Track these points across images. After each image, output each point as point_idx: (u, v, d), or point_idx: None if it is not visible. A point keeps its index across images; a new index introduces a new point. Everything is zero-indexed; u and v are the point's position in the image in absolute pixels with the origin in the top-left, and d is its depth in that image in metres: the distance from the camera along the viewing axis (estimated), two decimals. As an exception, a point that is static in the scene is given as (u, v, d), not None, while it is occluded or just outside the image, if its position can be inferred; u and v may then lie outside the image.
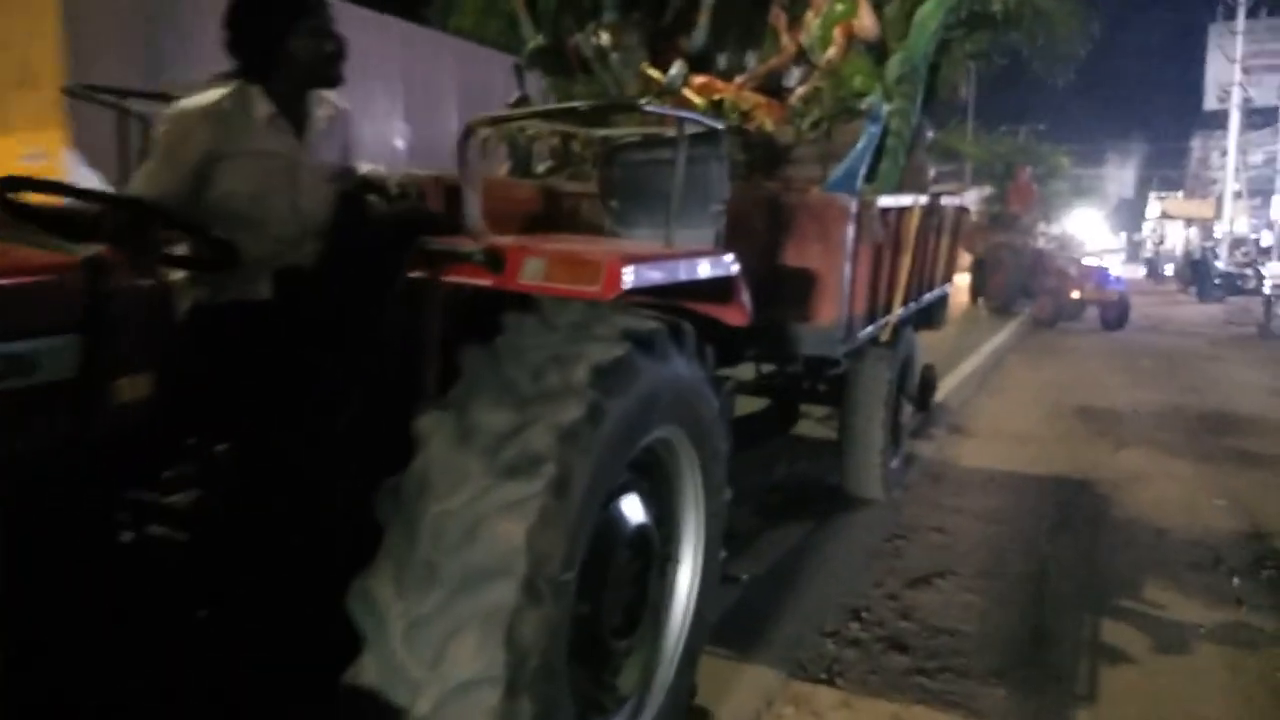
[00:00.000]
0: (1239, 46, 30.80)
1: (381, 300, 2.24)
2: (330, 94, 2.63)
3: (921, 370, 6.38)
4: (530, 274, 2.11)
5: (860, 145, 4.66)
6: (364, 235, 2.59)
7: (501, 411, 2.00)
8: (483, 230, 2.30)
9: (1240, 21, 30.95)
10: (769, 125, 5.20)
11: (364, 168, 2.84)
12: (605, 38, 5.20)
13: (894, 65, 5.24)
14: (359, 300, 2.34)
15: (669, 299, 2.51)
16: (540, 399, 2.01)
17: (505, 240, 2.26)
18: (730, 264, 2.69)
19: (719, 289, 2.67)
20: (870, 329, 4.72)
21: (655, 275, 2.25)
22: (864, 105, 4.85)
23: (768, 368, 5.34)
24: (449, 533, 1.86)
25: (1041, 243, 19.57)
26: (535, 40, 5.73)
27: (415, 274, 2.19)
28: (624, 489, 2.45)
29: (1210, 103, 34.45)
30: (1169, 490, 6.31)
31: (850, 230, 4.20)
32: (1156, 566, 4.84)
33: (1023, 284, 16.94)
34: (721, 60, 5.92)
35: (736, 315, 2.73)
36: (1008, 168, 20.80)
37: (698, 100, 4.98)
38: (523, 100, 5.68)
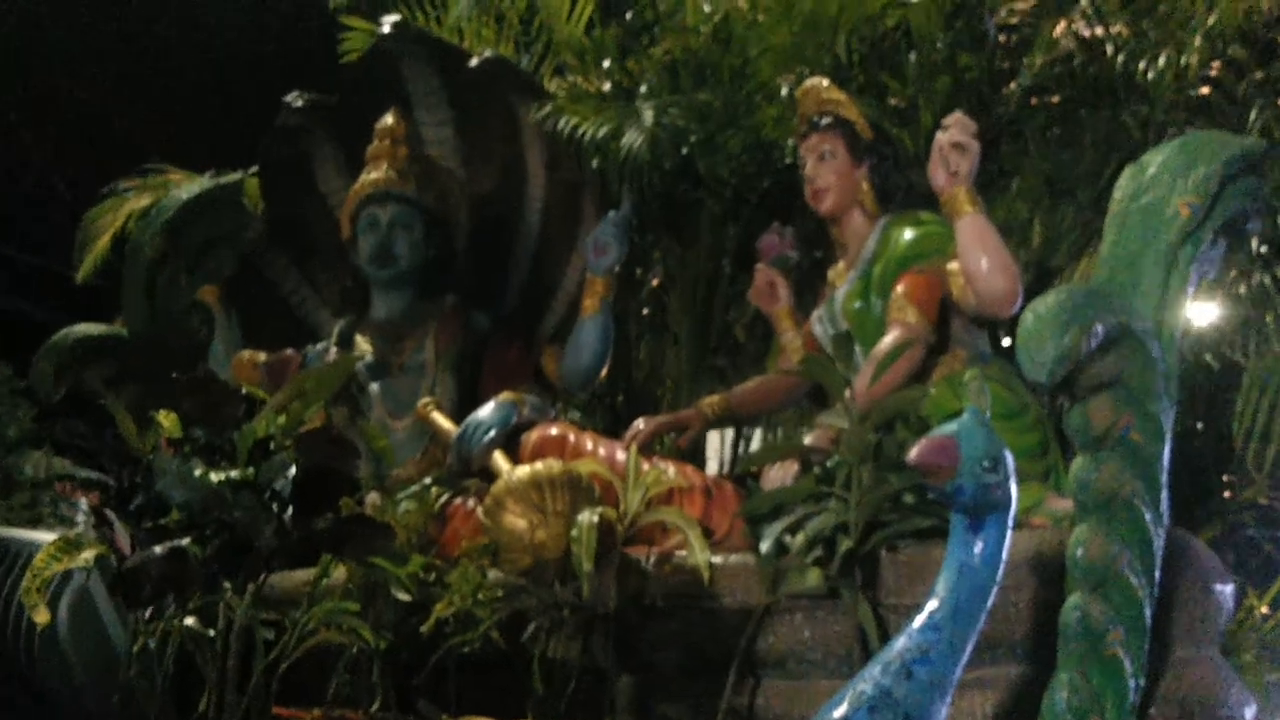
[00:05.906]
0: None
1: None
2: None
3: None
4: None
5: (924, 620, 1.58)
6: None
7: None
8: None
9: None
10: (698, 549, 2.07)
11: None
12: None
13: (1046, 320, 1.72)
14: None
15: None
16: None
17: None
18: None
19: None
20: None
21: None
22: (911, 458, 1.56)
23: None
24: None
25: None
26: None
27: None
28: None
29: None
30: None
31: None
32: None
33: None
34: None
35: None
36: None
37: (513, 474, 2.26)
38: None
